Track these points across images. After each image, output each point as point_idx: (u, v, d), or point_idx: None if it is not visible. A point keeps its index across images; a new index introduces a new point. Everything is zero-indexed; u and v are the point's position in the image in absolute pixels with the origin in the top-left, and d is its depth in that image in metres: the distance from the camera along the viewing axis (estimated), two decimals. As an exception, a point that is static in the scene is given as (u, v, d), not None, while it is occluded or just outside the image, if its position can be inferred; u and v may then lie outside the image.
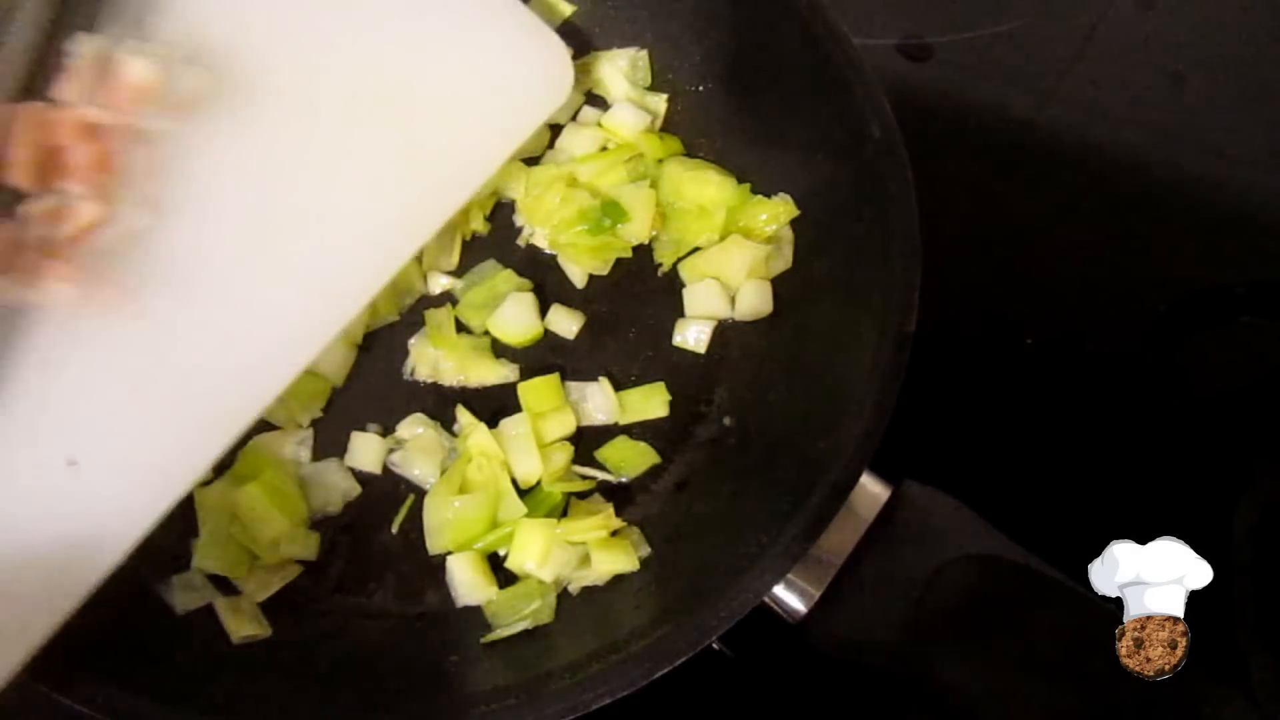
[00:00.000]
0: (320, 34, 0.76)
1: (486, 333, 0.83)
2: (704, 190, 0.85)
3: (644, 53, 0.91)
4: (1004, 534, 0.72)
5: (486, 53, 0.81)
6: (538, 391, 0.79)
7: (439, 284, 0.85)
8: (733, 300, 0.84)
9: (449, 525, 0.75)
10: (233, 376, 0.69)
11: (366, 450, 0.79)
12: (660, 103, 0.90)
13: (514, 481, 0.77)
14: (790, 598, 0.70)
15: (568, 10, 0.92)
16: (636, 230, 0.85)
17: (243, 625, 0.72)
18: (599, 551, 0.74)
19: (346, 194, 0.74)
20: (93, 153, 0.65)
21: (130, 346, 0.67)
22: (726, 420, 0.82)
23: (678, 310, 0.85)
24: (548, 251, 0.86)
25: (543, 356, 0.83)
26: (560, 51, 0.83)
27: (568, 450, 0.79)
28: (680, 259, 0.86)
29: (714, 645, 0.70)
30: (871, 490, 0.72)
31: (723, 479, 0.79)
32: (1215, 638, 0.64)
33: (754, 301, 0.84)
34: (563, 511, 0.77)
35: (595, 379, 0.82)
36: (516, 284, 0.84)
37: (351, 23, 0.77)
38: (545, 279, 0.85)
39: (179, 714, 0.63)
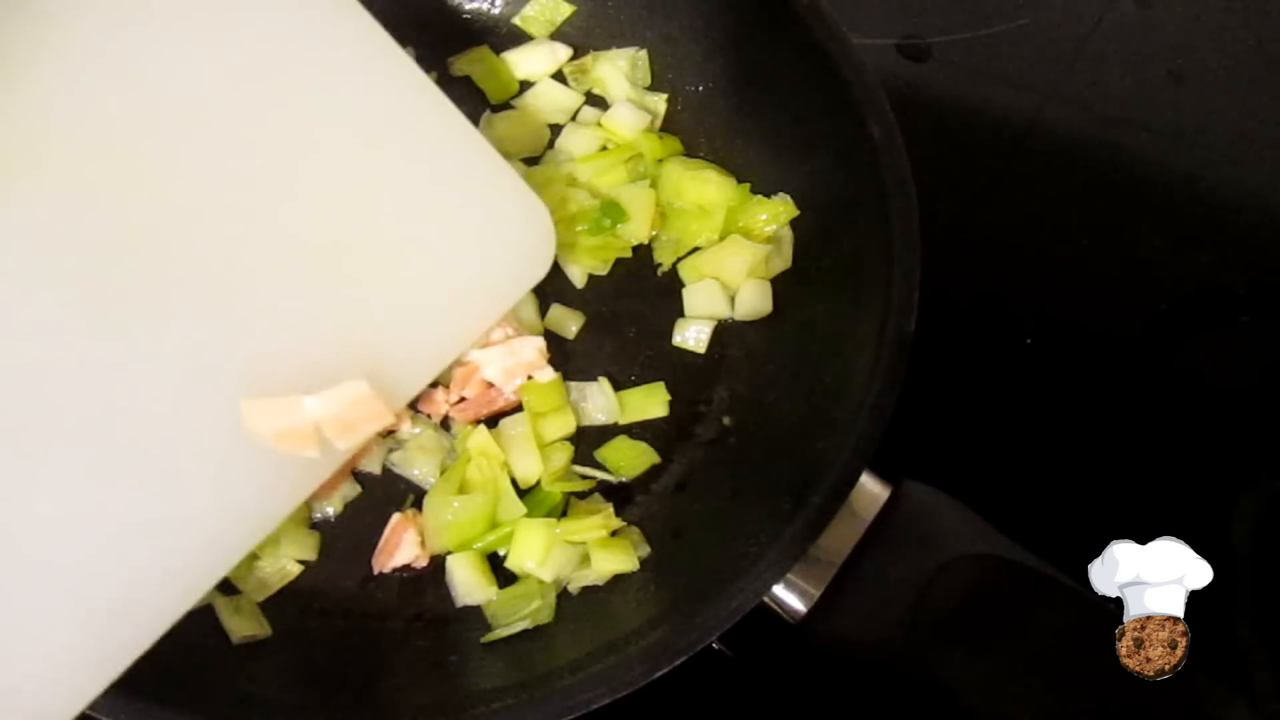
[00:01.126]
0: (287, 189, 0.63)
1: (486, 333, 0.83)
2: (704, 190, 0.85)
3: (644, 53, 0.91)
4: (1004, 534, 0.72)
5: (469, 230, 0.70)
6: (538, 391, 0.79)
7: (439, 284, 0.85)
8: (733, 300, 0.84)
9: (449, 525, 0.75)
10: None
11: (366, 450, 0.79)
12: (660, 103, 0.90)
13: (514, 481, 0.77)
14: (790, 598, 0.70)
15: (568, 10, 0.92)
16: (636, 230, 0.85)
17: (243, 625, 0.72)
18: (599, 551, 0.74)
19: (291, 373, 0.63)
20: None
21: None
22: (726, 420, 0.82)
23: (678, 310, 0.85)
24: (548, 251, 0.86)
25: (543, 356, 0.83)
26: (545, 222, 0.75)
27: (568, 450, 0.79)
28: (680, 259, 0.86)
29: (714, 645, 0.70)
30: (871, 490, 0.72)
31: (723, 479, 0.79)
32: (1215, 638, 0.64)
33: (754, 301, 0.84)
34: (563, 511, 0.77)
35: (595, 379, 0.82)
36: (516, 284, 0.84)
37: (340, 182, 0.65)
38: (545, 279, 0.85)
39: (179, 714, 0.63)
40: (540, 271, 0.76)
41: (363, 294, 0.66)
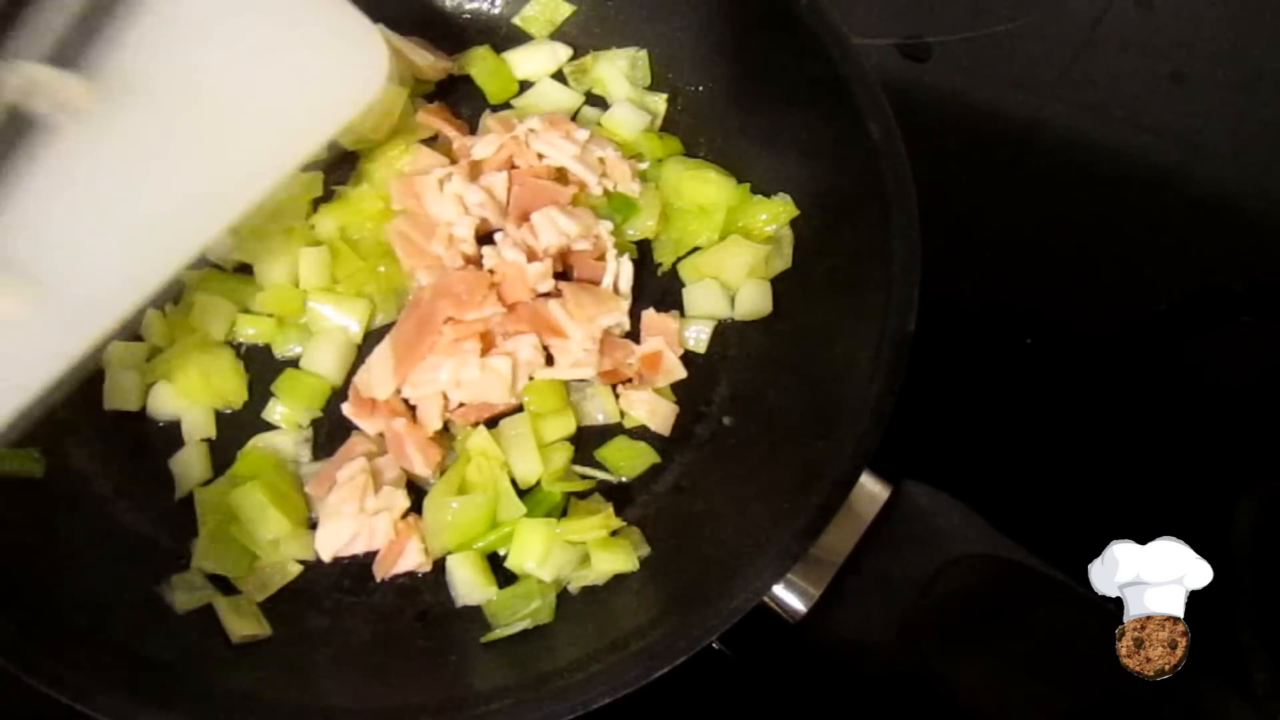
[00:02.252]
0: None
1: (486, 333, 0.83)
2: (704, 190, 0.85)
3: (644, 53, 0.91)
4: (1004, 534, 0.72)
5: (296, 46, 0.72)
6: (538, 391, 0.79)
7: (439, 284, 0.85)
8: (733, 300, 0.84)
9: (449, 525, 0.75)
10: None
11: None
12: (660, 103, 0.90)
13: (514, 481, 0.77)
14: (790, 598, 0.70)
15: (568, 10, 0.92)
16: (643, 226, 0.85)
17: (243, 625, 0.72)
18: (599, 551, 0.74)
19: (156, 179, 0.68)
20: None
21: None
22: (726, 420, 0.82)
23: (678, 310, 0.85)
24: (548, 251, 0.86)
25: (543, 356, 0.83)
26: (375, 43, 0.74)
27: (568, 450, 0.79)
28: (680, 259, 0.86)
29: (714, 645, 0.70)
30: (871, 490, 0.72)
31: (723, 479, 0.79)
32: (1215, 638, 0.64)
33: (754, 301, 0.84)
34: (563, 511, 0.77)
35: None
36: (516, 284, 0.84)
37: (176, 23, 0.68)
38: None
39: (179, 714, 0.63)
40: (370, 90, 0.74)
41: (219, 110, 0.69)
